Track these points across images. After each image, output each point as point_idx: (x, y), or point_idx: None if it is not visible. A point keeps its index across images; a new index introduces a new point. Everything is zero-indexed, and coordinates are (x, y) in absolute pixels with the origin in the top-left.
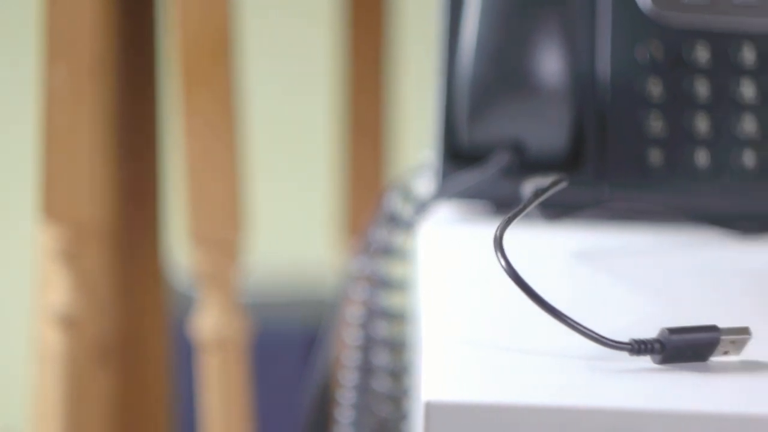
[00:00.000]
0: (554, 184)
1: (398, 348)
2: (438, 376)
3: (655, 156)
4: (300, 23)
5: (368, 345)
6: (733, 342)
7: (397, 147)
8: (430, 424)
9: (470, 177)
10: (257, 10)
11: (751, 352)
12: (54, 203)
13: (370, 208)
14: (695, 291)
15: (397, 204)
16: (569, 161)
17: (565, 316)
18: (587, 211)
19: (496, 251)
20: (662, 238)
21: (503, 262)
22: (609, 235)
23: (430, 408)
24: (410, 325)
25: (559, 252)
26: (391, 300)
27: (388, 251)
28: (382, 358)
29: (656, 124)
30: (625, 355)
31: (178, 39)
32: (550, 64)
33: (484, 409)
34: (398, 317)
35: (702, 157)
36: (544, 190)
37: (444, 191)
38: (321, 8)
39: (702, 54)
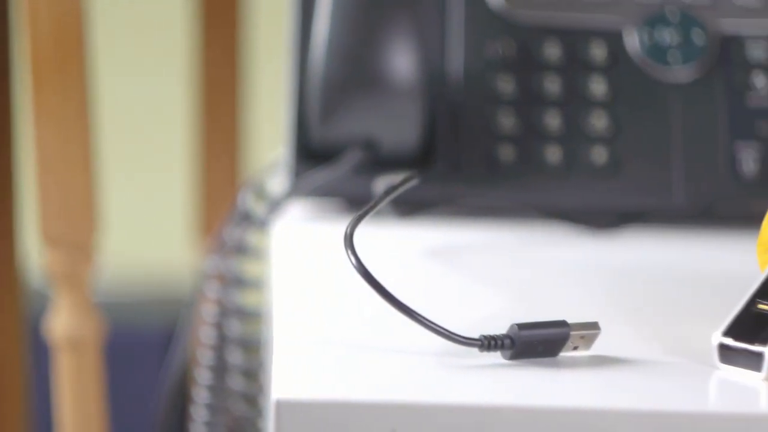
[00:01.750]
0: (405, 181)
1: (253, 347)
2: (288, 374)
3: (507, 152)
4: (153, 22)
5: (222, 344)
6: (582, 337)
7: (253, 146)
8: (280, 423)
9: (323, 175)
10: (109, 10)
11: (600, 347)
12: None
13: (225, 207)
14: (547, 287)
15: (251, 203)
16: (422, 158)
17: (415, 313)
18: (440, 207)
19: (346, 249)
20: (514, 234)
21: (353, 260)
22: (461, 231)
23: (281, 406)
24: (265, 323)
25: (412, 249)
26: (246, 299)
27: (243, 250)
28: (236, 357)
29: (508, 121)
30: (475, 351)
31: (28, 34)
32: (402, 62)
33: (334, 407)
34: (253, 316)
35: (553, 154)
36: (395, 188)
37: (297, 189)
38: (175, 7)
39: (552, 51)
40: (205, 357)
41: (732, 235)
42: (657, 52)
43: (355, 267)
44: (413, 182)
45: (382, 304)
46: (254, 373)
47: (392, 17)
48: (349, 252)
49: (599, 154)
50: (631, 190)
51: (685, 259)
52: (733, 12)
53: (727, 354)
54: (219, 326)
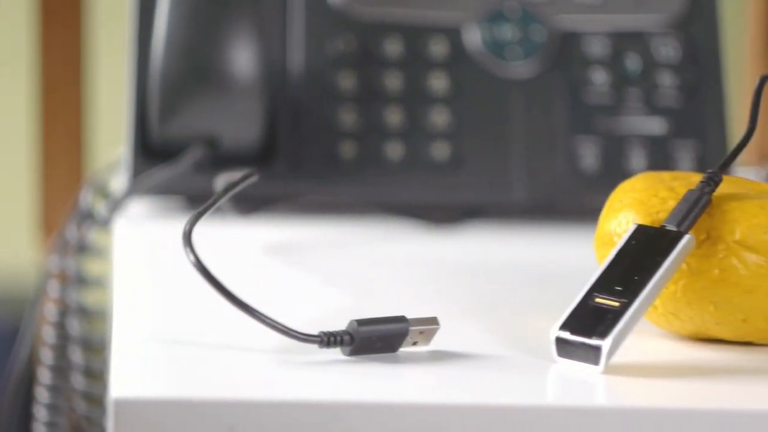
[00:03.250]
0: (245, 178)
1: (97, 346)
2: (126, 372)
3: (348, 149)
4: None
5: (65, 343)
6: (421, 332)
7: (96, 144)
8: (119, 421)
9: (163, 173)
10: None
11: (440, 342)
12: None
13: (68, 206)
14: (388, 282)
15: (93, 201)
16: (264, 155)
17: (254, 310)
18: (281, 204)
19: (185, 247)
20: (356, 231)
21: (192, 257)
22: (303, 228)
23: (119, 405)
24: (107, 322)
25: (253, 246)
26: (89, 298)
27: (85, 249)
28: (78, 357)
29: (349, 118)
30: (315, 347)
31: None
32: (242, 59)
33: (172, 405)
34: (96, 315)
35: (394, 150)
36: (234, 185)
37: (137, 188)
38: (15, 4)
39: (393, 47)
40: (47, 356)
41: (571, 229)
42: (497, 48)
43: (193, 264)
44: (253, 179)
45: (222, 301)
46: (98, 373)
47: (232, 15)
48: (188, 250)
49: (440, 150)
50: (471, 186)
51: (525, 253)
52: (573, 8)
53: (564, 348)
54: (61, 325)
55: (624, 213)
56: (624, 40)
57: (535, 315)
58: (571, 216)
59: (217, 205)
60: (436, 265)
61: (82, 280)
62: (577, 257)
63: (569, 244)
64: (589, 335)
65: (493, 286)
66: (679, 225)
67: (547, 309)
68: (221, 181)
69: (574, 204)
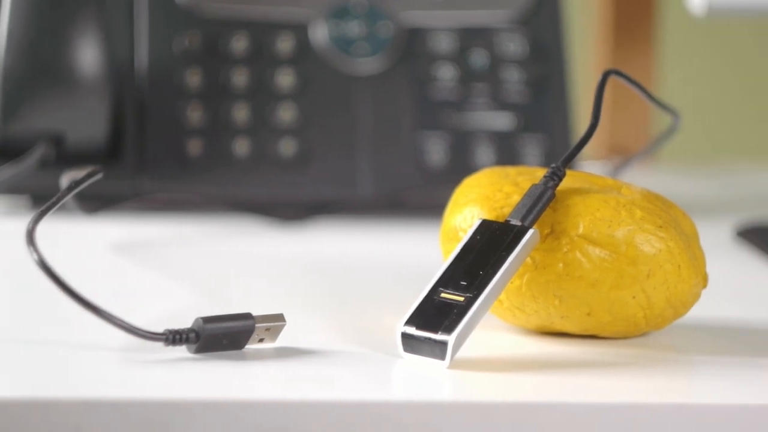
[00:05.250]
0: (89, 176)
1: None
2: None
3: (195, 146)
4: None
5: None
6: (268, 329)
7: None
8: None
9: (7, 171)
10: None
11: (286, 338)
12: None
13: None
14: (235, 280)
15: None
16: (110, 153)
17: (99, 309)
18: (128, 202)
19: (28, 245)
20: (203, 228)
21: (35, 256)
22: (150, 226)
23: None
24: None
25: (99, 244)
26: None
27: None
28: None
29: (195, 115)
30: (161, 345)
31: None
32: (85, 57)
33: (17, 406)
34: None
35: (242, 147)
36: (78, 182)
37: None
38: None
39: (240, 44)
40: None
41: (418, 224)
42: (344, 44)
43: (36, 263)
44: (97, 176)
45: (67, 300)
46: None
47: (76, 12)
48: (31, 248)
49: (287, 147)
50: (319, 182)
51: (373, 249)
52: (419, 5)
53: (410, 343)
54: None
55: (469, 208)
56: (470, 36)
57: (382, 311)
58: (418, 211)
59: (61, 203)
60: (284, 262)
61: None
62: (424, 253)
63: (416, 239)
64: (434, 330)
65: (340, 282)
66: (523, 219)
67: (394, 304)
68: (67, 179)
69: (421, 199)
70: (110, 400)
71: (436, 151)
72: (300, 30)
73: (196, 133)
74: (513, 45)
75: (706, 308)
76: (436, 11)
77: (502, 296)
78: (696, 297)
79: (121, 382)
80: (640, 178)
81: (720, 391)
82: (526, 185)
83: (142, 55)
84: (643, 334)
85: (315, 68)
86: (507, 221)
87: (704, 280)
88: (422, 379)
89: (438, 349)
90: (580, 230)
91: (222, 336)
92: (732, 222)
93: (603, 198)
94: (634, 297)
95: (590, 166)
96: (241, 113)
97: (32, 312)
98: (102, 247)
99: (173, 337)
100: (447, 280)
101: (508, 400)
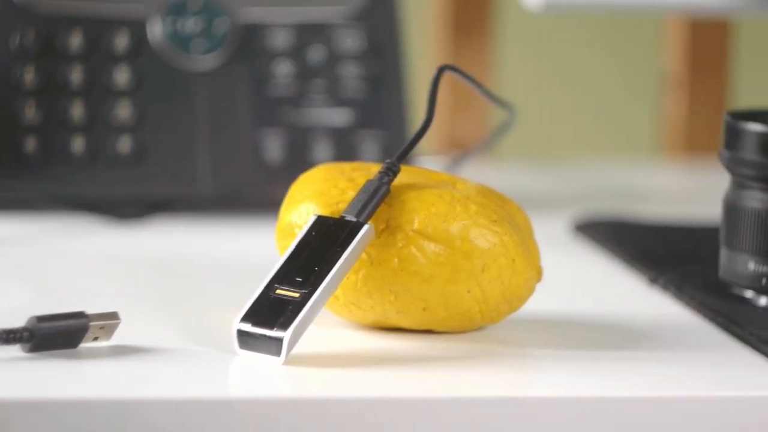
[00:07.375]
0: None
1: None
2: None
3: (31, 144)
4: None
5: None
6: (102, 327)
7: None
8: None
9: None
10: None
11: (122, 337)
12: None
13: None
14: (73, 278)
15: None
16: None
17: None
18: None
19: None
20: (39, 226)
21: None
22: None
23: None
24: None
25: None
26: None
27: None
28: None
29: (30, 112)
30: None
31: None
32: None
33: None
34: None
35: (78, 144)
36: None
37: None
38: None
39: (75, 41)
40: None
41: (256, 221)
42: (180, 41)
43: None
44: None
45: None
46: None
47: None
48: None
49: (124, 144)
50: (156, 179)
51: (211, 246)
52: (256, 0)
53: (246, 340)
54: None
55: (304, 204)
56: (307, 32)
57: (219, 307)
58: (256, 208)
59: None
60: (121, 260)
61: None
62: (262, 249)
63: (254, 236)
64: (270, 327)
65: (177, 280)
66: (358, 215)
67: (231, 301)
68: None
69: (259, 196)
70: None
71: (274, 147)
72: (137, 26)
73: (31, 131)
74: (350, 41)
75: (541, 302)
76: (274, 7)
77: (338, 292)
78: (530, 291)
79: None
80: (479, 173)
81: (553, 383)
82: (361, 181)
83: None
84: (478, 329)
85: (151, 65)
86: (342, 217)
87: (539, 274)
88: (258, 376)
89: (273, 346)
90: (415, 225)
91: (56, 335)
92: (571, 216)
93: (438, 193)
94: (469, 291)
95: (428, 161)
96: (77, 110)
97: None
98: None
99: (6, 336)
100: (282, 276)
101: (344, 396)
